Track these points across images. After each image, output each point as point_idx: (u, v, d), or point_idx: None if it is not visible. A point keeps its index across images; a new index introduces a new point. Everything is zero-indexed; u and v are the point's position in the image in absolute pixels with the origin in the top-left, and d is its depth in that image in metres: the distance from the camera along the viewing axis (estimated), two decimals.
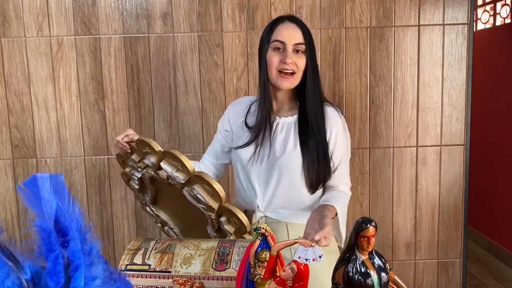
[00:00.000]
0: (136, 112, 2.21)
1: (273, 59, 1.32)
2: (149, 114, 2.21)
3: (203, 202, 1.15)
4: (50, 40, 2.15)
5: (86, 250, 0.50)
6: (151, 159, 1.26)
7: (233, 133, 1.46)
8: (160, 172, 1.24)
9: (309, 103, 1.33)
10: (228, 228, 1.20)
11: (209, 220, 1.23)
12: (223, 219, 1.19)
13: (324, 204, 1.31)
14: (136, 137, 1.36)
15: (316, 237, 1.04)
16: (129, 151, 1.39)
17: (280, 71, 1.31)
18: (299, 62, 1.31)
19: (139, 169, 1.33)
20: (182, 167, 1.18)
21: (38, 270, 0.48)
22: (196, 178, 1.16)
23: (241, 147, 1.39)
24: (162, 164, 1.22)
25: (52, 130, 2.20)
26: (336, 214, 1.32)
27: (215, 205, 1.15)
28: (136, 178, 1.37)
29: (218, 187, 1.13)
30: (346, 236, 1.41)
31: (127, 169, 1.41)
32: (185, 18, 2.15)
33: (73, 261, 0.48)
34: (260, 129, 1.36)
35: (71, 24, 2.15)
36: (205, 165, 1.53)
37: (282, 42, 1.31)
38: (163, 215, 1.45)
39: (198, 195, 1.15)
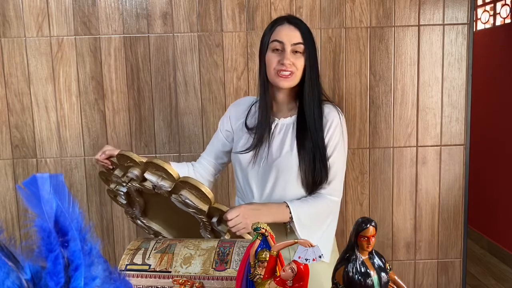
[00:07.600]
0: (136, 112, 2.21)
1: (272, 59, 1.32)
2: (149, 114, 2.21)
3: (193, 206, 1.14)
4: (50, 40, 2.15)
5: (86, 250, 0.50)
6: (134, 172, 1.23)
7: (234, 133, 1.46)
8: (146, 184, 1.22)
9: (307, 103, 1.33)
10: (222, 228, 1.20)
11: (201, 223, 1.22)
12: (214, 219, 1.19)
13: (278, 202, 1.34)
14: (115, 152, 1.32)
15: (226, 215, 1.17)
16: (111, 167, 1.36)
17: (278, 71, 1.31)
18: (298, 63, 1.31)
19: (124, 184, 1.29)
20: (167, 175, 1.16)
21: (38, 270, 0.48)
22: (182, 184, 1.14)
23: (240, 152, 1.38)
24: (146, 175, 1.20)
25: (52, 130, 2.20)
26: (291, 213, 1.30)
27: (204, 208, 1.15)
28: (122, 193, 1.34)
29: (205, 189, 1.12)
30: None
31: (112, 186, 1.37)
32: (185, 18, 2.15)
33: (73, 261, 0.48)
34: (260, 132, 1.36)
35: (71, 24, 2.15)
36: (203, 165, 1.52)
37: (280, 42, 1.31)
38: (155, 226, 1.43)
39: (187, 200, 1.14)
